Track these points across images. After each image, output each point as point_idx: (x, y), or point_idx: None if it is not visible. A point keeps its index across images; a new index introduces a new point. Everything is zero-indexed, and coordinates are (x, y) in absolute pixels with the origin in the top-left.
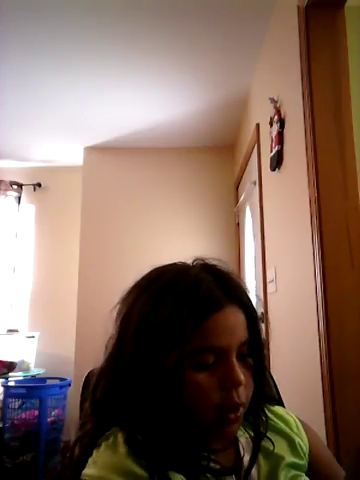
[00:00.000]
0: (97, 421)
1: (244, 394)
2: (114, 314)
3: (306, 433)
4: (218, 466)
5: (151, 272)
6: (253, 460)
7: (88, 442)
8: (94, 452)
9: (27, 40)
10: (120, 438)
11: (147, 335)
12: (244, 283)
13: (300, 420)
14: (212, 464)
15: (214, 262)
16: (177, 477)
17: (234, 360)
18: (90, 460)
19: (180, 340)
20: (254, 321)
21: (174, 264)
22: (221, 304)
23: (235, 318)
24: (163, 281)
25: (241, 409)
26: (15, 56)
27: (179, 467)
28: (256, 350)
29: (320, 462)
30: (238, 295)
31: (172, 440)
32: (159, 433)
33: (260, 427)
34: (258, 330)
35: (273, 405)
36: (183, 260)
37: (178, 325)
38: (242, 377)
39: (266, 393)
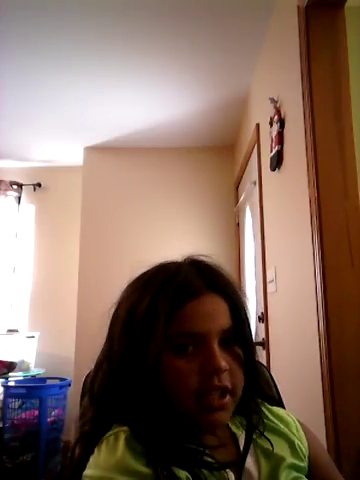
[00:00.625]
0: (96, 417)
1: (228, 380)
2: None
3: (306, 436)
4: (213, 460)
5: (142, 272)
6: (246, 451)
7: (88, 441)
8: (95, 451)
9: (27, 40)
10: (121, 436)
11: (132, 326)
12: (229, 276)
13: (300, 422)
14: (209, 459)
15: (202, 258)
16: (182, 473)
17: (215, 346)
18: (91, 460)
19: (157, 325)
20: (238, 310)
21: (163, 262)
22: (199, 292)
23: (214, 305)
24: (148, 275)
25: (227, 396)
26: (15, 56)
27: (180, 462)
28: (242, 339)
29: (319, 466)
30: (219, 284)
31: (164, 433)
32: (149, 425)
33: (253, 419)
34: (243, 319)
35: (272, 405)
36: (177, 258)
37: (155, 312)
38: (223, 363)
39: (265, 393)
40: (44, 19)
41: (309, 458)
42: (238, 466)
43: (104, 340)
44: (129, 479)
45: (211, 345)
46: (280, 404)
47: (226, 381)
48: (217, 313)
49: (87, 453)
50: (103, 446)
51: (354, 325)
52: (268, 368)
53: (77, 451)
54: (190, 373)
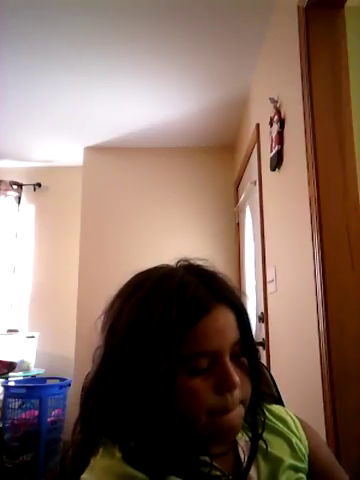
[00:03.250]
0: (88, 435)
1: (239, 395)
2: (98, 325)
3: (306, 433)
4: (218, 472)
5: (133, 279)
6: (251, 461)
7: (80, 458)
8: (91, 460)
9: (27, 40)
10: (114, 446)
11: (136, 344)
12: (231, 281)
13: (300, 419)
14: (213, 471)
15: (199, 262)
16: None
17: (228, 362)
18: (87, 468)
19: (171, 347)
20: (244, 320)
21: (157, 268)
22: (209, 306)
23: (225, 319)
24: (148, 287)
25: (240, 406)
26: (15, 56)
27: (178, 472)
28: (249, 348)
29: (320, 463)
30: (226, 294)
31: (168, 448)
32: (154, 442)
33: (259, 427)
34: (249, 328)
35: (270, 404)
36: (167, 262)
37: (167, 332)
38: (237, 379)
39: (264, 391)
40: (44, 19)
41: (310, 456)
42: (235, 472)
43: (93, 355)
44: None
45: (224, 362)
46: (280, 404)
47: (238, 399)
48: (228, 327)
49: (80, 466)
50: (100, 454)
51: (354, 325)
52: (268, 368)
53: (71, 464)
54: (207, 392)
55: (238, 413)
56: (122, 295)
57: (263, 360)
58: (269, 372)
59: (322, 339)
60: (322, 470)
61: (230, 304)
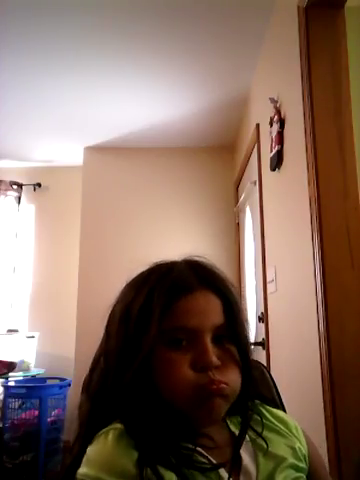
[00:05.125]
0: (92, 413)
1: (221, 375)
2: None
3: (306, 440)
4: (206, 461)
5: (138, 273)
6: (237, 449)
7: (85, 437)
8: (88, 449)
9: (27, 40)
10: (111, 433)
11: (127, 322)
12: (223, 274)
13: (301, 428)
14: (203, 459)
15: (197, 258)
16: (168, 474)
17: (207, 341)
18: (85, 457)
19: (150, 322)
20: (230, 307)
21: (158, 261)
22: (192, 287)
23: (207, 301)
24: (143, 275)
25: (224, 386)
26: (15, 56)
27: (169, 463)
28: (237, 336)
29: (316, 474)
30: (212, 281)
31: (157, 430)
32: (142, 421)
33: (248, 416)
34: (235, 316)
35: (271, 406)
36: (173, 259)
37: (150, 308)
38: (214, 358)
39: (265, 396)
40: (44, 19)
41: (309, 462)
42: (234, 465)
43: (101, 339)
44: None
45: (203, 340)
46: (280, 405)
47: (220, 376)
48: (210, 309)
49: (83, 450)
50: (94, 442)
51: (354, 325)
52: (268, 368)
53: (75, 447)
54: (184, 365)
55: (225, 387)
56: (126, 285)
57: (263, 360)
58: (269, 372)
59: (322, 339)
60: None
61: (216, 291)
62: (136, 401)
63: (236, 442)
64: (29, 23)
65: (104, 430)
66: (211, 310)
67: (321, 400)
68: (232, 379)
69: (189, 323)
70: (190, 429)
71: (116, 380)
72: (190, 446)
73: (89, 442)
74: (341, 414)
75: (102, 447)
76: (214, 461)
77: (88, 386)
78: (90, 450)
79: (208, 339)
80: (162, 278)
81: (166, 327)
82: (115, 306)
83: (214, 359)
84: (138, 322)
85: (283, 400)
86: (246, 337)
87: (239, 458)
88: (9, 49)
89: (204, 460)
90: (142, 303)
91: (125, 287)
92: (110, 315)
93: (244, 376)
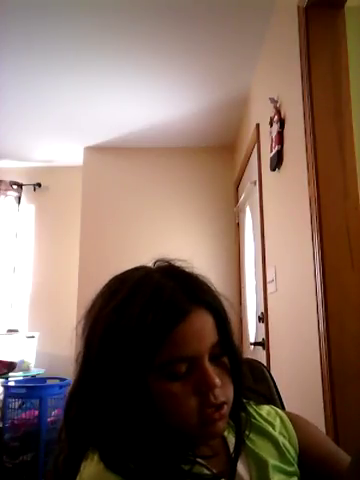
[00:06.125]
0: (73, 442)
1: (222, 394)
2: (80, 329)
3: (295, 427)
4: (207, 471)
5: (111, 281)
6: (235, 461)
7: (69, 464)
8: (82, 465)
9: (27, 40)
10: (96, 456)
11: (111, 351)
12: (210, 282)
13: (289, 414)
14: (206, 471)
15: (178, 263)
16: None
17: (207, 365)
18: (78, 475)
19: (144, 354)
20: (223, 320)
21: (135, 270)
22: (186, 310)
23: (202, 322)
24: (126, 290)
25: (225, 407)
26: (15, 56)
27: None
28: (228, 348)
29: (315, 454)
30: (203, 297)
31: (149, 455)
32: (137, 448)
33: (243, 426)
34: (228, 329)
35: (260, 402)
36: (145, 263)
37: (144, 338)
38: (217, 380)
39: (249, 387)
40: (44, 19)
41: (302, 451)
42: (229, 473)
43: (76, 359)
44: None
45: (203, 365)
46: (280, 405)
47: (221, 396)
48: (205, 330)
49: (69, 470)
50: (82, 466)
51: (354, 325)
52: (268, 368)
53: (60, 467)
54: (187, 395)
55: (225, 411)
56: (100, 298)
57: (263, 360)
58: (269, 372)
59: (322, 339)
60: (318, 455)
61: (207, 306)
62: (127, 428)
63: (235, 456)
64: (29, 23)
65: (86, 455)
66: (206, 331)
67: (321, 400)
68: (230, 396)
69: (187, 352)
70: (189, 443)
71: (105, 409)
72: (190, 458)
73: (71, 469)
74: (341, 414)
75: (93, 468)
76: (214, 470)
77: (67, 413)
78: (82, 472)
79: (207, 362)
80: (152, 301)
81: (164, 359)
82: (93, 323)
83: (217, 380)
84: (128, 353)
85: (283, 400)
86: (237, 346)
87: (234, 468)
88: (9, 49)
89: (206, 471)
90: (132, 331)
91: (98, 303)
92: (88, 334)
93: (236, 385)
